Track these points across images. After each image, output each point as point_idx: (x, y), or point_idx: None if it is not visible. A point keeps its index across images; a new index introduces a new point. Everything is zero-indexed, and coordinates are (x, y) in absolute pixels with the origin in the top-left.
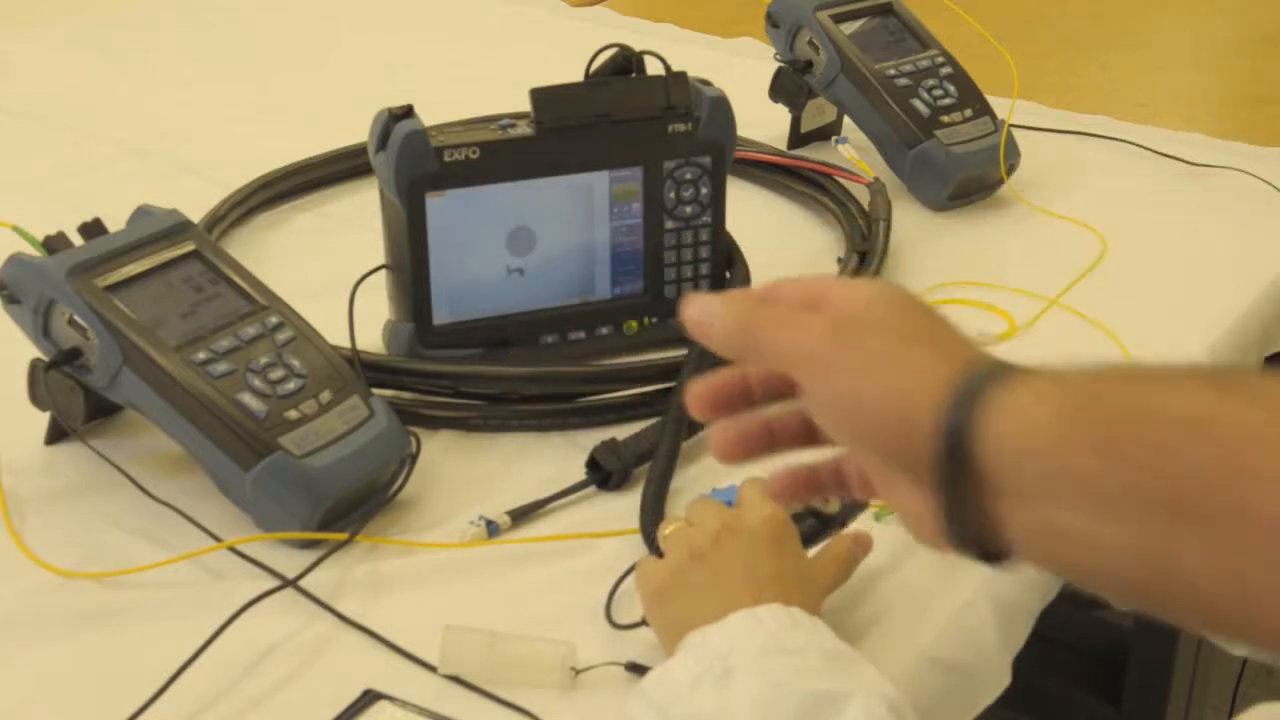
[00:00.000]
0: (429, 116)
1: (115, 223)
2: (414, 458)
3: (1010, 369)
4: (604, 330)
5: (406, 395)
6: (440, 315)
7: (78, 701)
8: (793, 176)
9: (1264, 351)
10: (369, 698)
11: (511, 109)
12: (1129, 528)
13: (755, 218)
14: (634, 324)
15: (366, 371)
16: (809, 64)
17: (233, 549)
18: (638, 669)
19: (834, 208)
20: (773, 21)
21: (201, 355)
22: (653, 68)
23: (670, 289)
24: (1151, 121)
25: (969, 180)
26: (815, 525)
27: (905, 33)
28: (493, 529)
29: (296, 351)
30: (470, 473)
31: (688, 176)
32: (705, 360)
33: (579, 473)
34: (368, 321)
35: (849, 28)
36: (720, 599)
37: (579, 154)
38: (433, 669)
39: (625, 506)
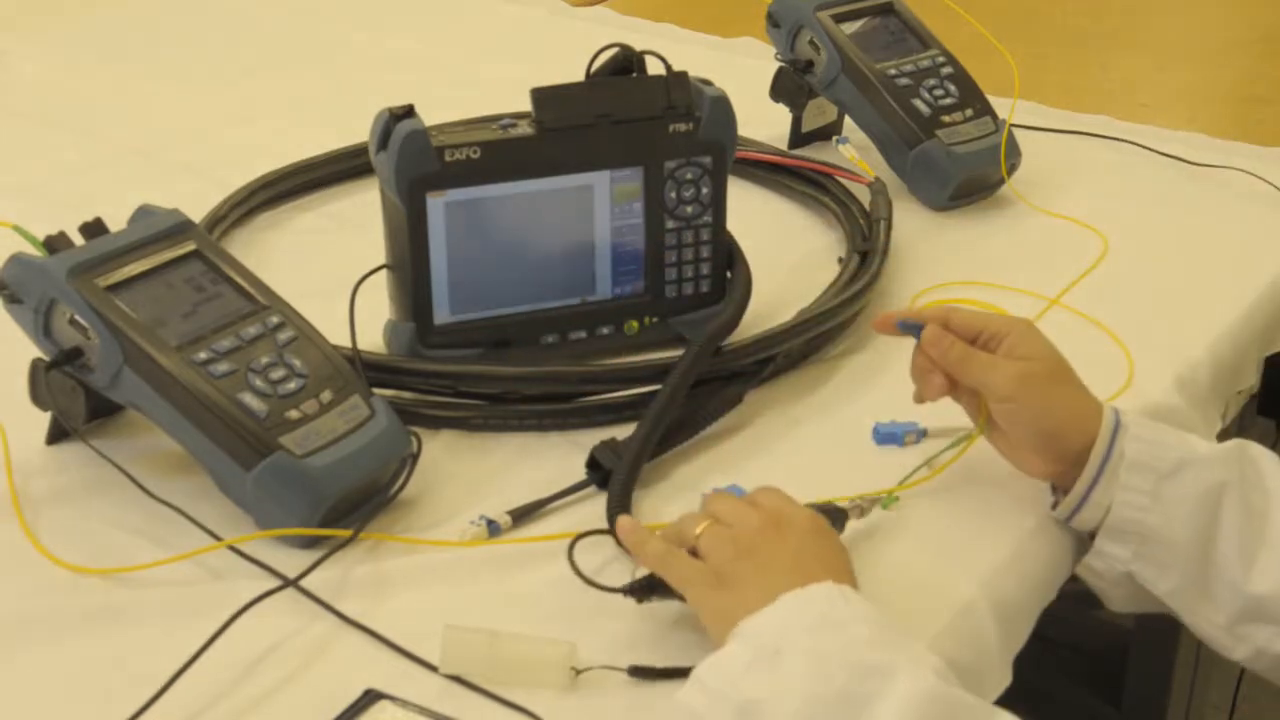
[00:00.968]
0: (430, 116)
1: (116, 222)
2: (415, 457)
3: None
4: (605, 330)
5: (407, 395)
6: (441, 315)
7: (78, 701)
8: (793, 176)
9: (1264, 352)
10: (370, 697)
11: (512, 109)
12: None
13: (756, 218)
14: (635, 324)
15: (367, 371)
16: (810, 64)
17: (234, 549)
18: (640, 673)
19: (835, 207)
20: (773, 21)
21: (202, 355)
22: (653, 68)
23: (671, 289)
24: (1152, 121)
25: (970, 180)
26: (832, 515)
27: (906, 32)
28: (493, 528)
29: (297, 351)
30: (471, 472)
31: (689, 176)
32: (699, 360)
33: (579, 472)
34: (369, 321)
35: (850, 27)
36: (771, 588)
37: (580, 154)
38: (433, 669)
39: None
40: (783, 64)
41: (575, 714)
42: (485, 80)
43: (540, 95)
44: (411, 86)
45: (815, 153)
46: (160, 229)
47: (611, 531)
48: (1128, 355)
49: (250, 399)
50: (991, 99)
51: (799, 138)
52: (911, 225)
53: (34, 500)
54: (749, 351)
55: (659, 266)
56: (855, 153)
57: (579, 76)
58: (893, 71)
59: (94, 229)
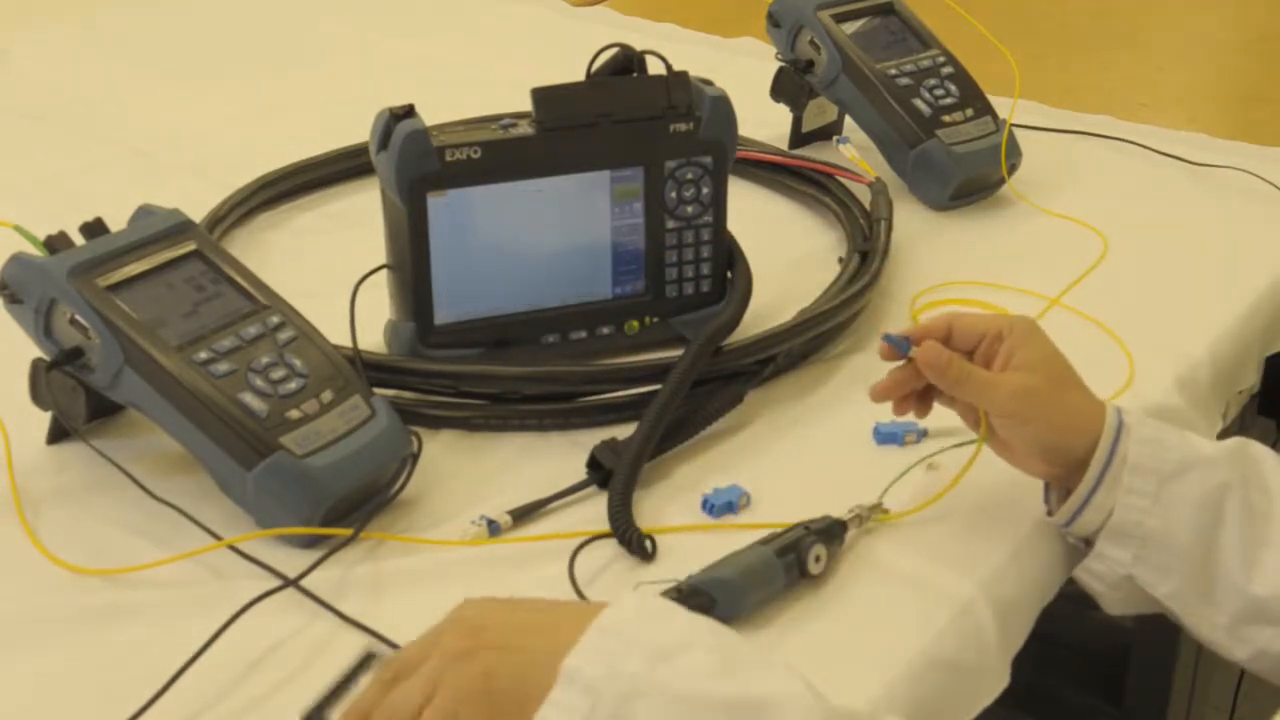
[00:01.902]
0: (430, 116)
1: (117, 222)
2: (415, 457)
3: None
4: (605, 330)
5: (408, 395)
6: (441, 315)
7: (78, 701)
8: (794, 176)
9: (1264, 351)
10: (369, 659)
11: (512, 109)
12: None
13: (757, 217)
14: (635, 324)
15: (368, 371)
16: (810, 64)
17: (234, 549)
18: None
19: (835, 207)
20: (774, 21)
21: (203, 355)
22: (654, 67)
23: (671, 289)
24: (1153, 121)
25: (970, 180)
26: (832, 526)
27: (906, 32)
28: (494, 528)
29: (298, 351)
30: (471, 472)
31: (689, 176)
32: (700, 360)
33: (580, 472)
34: (369, 321)
35: (850, 27)
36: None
37: (580, 154)
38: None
39: None
40: (783, 64)
41: None
42: (485, 80)
43: (540, 95)
44: (411, 86)
45: (815, 153)
46: (160, 229)
47: (617, 536)
48: (1128, 355)
49: (251, 399)
50: (992, 99)
51: (799, 138)
52: (912, 225)
53: (34, 500)
54: (749, 351)
55: (659, 266)
56: (856, 153)
57: (579, 76)
58: (893, 71)
59: (94, 229)
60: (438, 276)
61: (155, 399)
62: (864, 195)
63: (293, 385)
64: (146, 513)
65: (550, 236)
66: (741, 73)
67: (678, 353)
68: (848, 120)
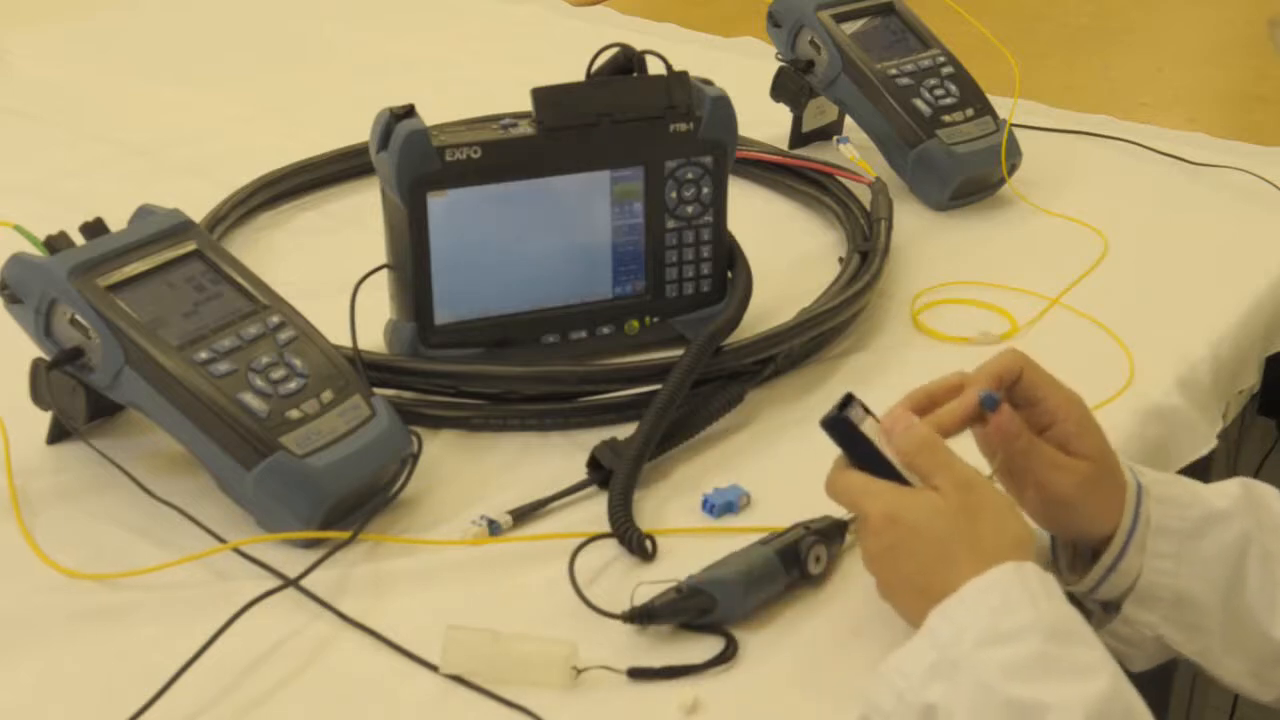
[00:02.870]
0: (430, 116)
1: (117, 222)
2: (415, 457)
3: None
4: (605, 330)
5: (408, 395)
6: (442, 315)
7: (78, 701)
8: (794, 176)
9: (1265, 351)
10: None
11: (513, 109)
12: None
13: (757, 217)
14: (635, 323)
15: (368, 371)
16: (810, 63)
17: (234, 548)
18: (640, 673)
19: (835, 207)
20: (774, 21)
21: (203, 355)
22: (654, 67)
23: (672, 288)
24: (1153, 121)
25: (970, 180)
26: (832, 527)
27: (907, 32)
28: (494, 528)
29: (298, 351)
30: (472, 472)
31: (689, 176)
32: (700, 360)
33: (580, 472)
34: (369, 321)
35: (850, 27)
36: (949, 567)
37: (580, 153)
38: (434, 668)
39: None
40: (783, 64)
41: (576, 714)
42: (486, 80)
43: (541, 95)
44: (412, 86)
45: (816, 152)
46: (161, 229)
47: (617, 536)
48: (1128, 355)
49: (251, 399)
50: (992, 99)
51: (799, 138)
52: (912, 225)
53: (34, 500)
54: (749, 351)
55: (660, 266)
56: (856, 152)
57: (579, 76)
58: (893, 71)
59: (94, 229)
60: (438, 276)
61: (155, 399)
62: (864, 195)
63: (293, 385)
64: (146, 513)
65: (550, 236)
66: (741, 73)
67: (678, 353)
68: (848, 120)
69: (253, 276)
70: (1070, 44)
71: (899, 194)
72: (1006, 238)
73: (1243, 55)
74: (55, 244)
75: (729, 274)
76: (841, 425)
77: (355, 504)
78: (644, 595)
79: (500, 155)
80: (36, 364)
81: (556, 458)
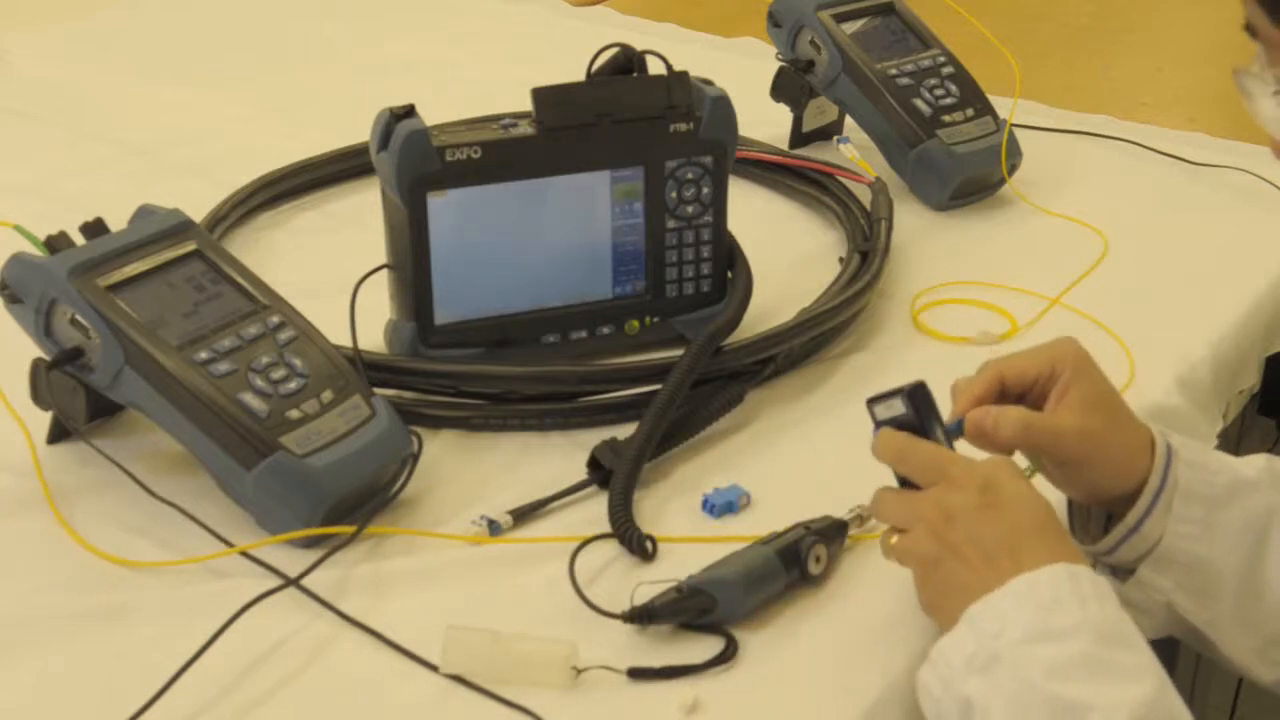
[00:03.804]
0: (430, 116)
1: (117, 222)
2: (415, 457)
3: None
4: (605, 330)
5: (408, 395)
6: (442, 315)
7: (78, 701)
8: (794, 176)
9: (1265, 351)
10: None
11: (513, 109)
12: None
13: (757, 217)
14: (635, 323)
15: (368, 371)
16: (810, 63)
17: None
18: (640, 673)
19: (835, 207)
20: (774, 21)
21: (203, 355)
22: (654, 67)
23: (672, 288)
24: (1153, 121)
25: (970, 180)
26: (832, 526)
27: (907, 32)
28: (494, 528)
29: (298, 351)
30: (472, 472)
31: (689, 176)
32: (700, 360)
33: (580, 472)
34: (369, 321)
35: (850, 27)
36: (993, 568)
37: (581, 153)
38: (434, 668)
39: None
40: (783, 64)
41: (576, 714)
42: (486, 80)
43: (541, 95)
44: (412, 86)
45: (816, 152)
46: (161, 229)
47: (617, 536)
48: (1129, 355)
49: (251, 399)
50: (992, 99)
51: (799, 137)
52: (912, 225)
53: (34, 499)
54: (749, 351)
55: (660, 266)
56: (856, 152)
57: (579, 76)
58: (893, 71)
59: (95, 229)
60: (438, 276)
61: (155, 399)
62: (864, 195)
63: (293, 385)
64: (147, 513)
65: (551, 236)
66: (741, 73)
67: (678, 353)
68: (848, 120)
69: (253, 276)
70: (1070, 44)
71: (899, 194)
72: (1006, 238)
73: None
74: (55, 244)
75: (729, 274)
76: (919, 393)
77: (355, 504)
78: (644, 595)
79: (500, 155)
80: (36, 364)
81: (556, 458)
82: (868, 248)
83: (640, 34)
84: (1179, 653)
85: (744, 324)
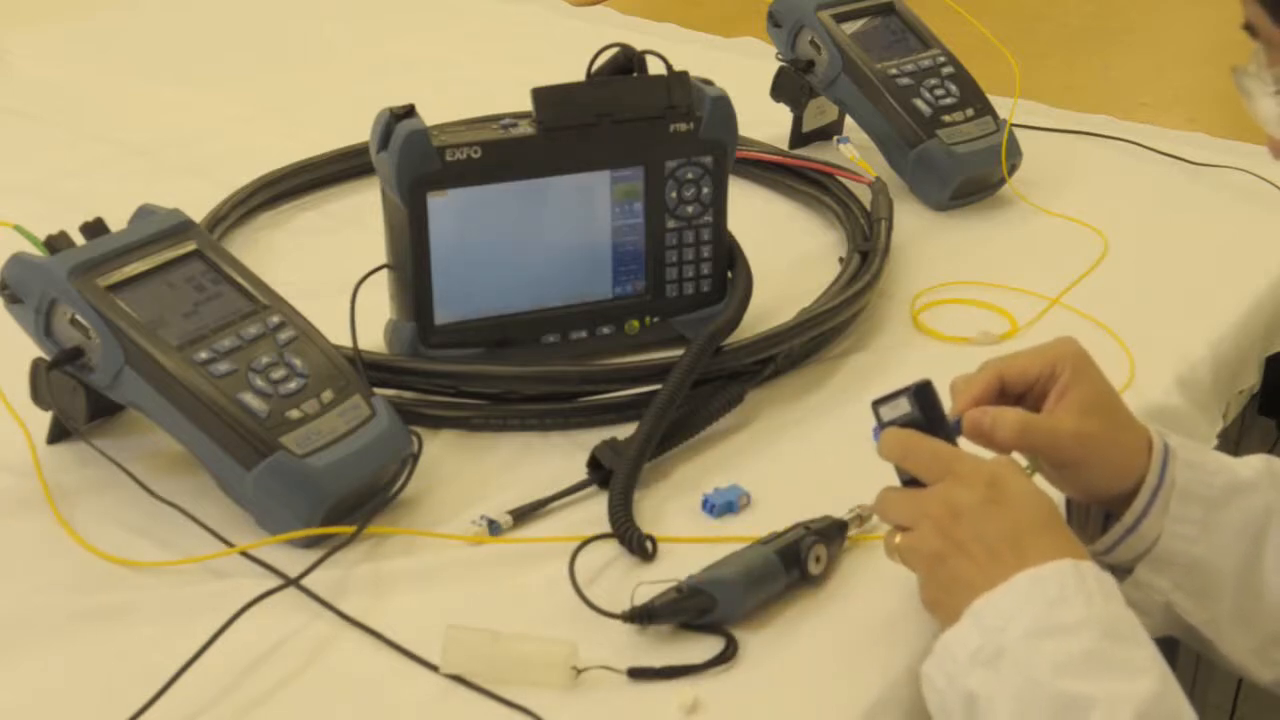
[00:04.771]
0: (430, 116)
1: (117, 222)
2: (415, 457)
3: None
4: (605, 330)
5: (408, 395)
6: (442, 315)
7: (78, 701)
8: (794, 176)
9: (1265, 351)
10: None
11: (513, 109)
12: None
13: (757, 217)
14: (635, 323)
15: (368, 371)
16: (810, 63)
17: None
18: (640, 673)
19: (835, 207)
20: (774, 21)
21: (203, 355)
22: (654, 67)
23: (672, 288)
24: (1153, 121)
25: (970, 180)
26: (832, 526)
27: (907, 32)
28: (494, 528)
29: (298, 351)
30: (472, 472)
31: (689, 176)
32: (700, 360)
33: (580, 472)
34: (369, 321)
35: (850, 27)
36: (999, 564)
37: (581, 153)
38: (434, 668)
39: None
40: (783, 64)
41: (576, 714)
42: (486, 80)
43: (541, 95)
44: (412, 86)
45: (816, 152)
46: (161, 229)
47: (617, 536)
48: (1129, 355)
49: (251, 399)
50: (992, 99)
51: (799, 137)
52: (912, 225)
53: (34, 499)
54: (749, 351)
55: (660, 266)
56: (856, 152)
57: (579, 76)
58: (893, 71)
59: (95, 229)
60: (438, 276)
61: (155, 399)
62: (864, 195)
63: (293, 385)
64: (147, 512)
65: (551, 236)
66: (741, 73)
67: (678, 353)
68: (848, 120)
69: (253, 276)
70: (1070, 44)
71: (899, 194)
72: (1006, 238)
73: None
74: (55, 244)
75: (729, 274)
76: (925, 392)
77: (355, 504)
78: (644, 595)
79: (500, 155)
80: (36, 364)
81: (556, 458)
82: (868, 248)
83: (640, 34)
84: (1179, 652)
85: (744, 324)
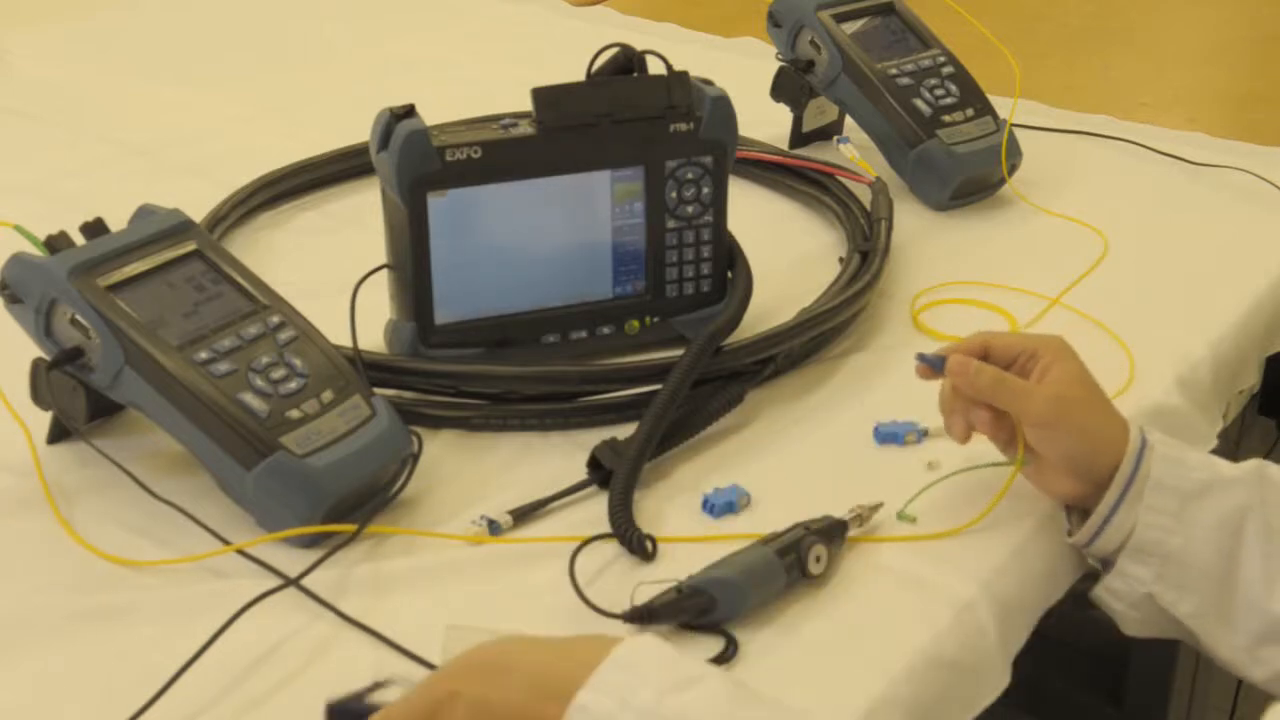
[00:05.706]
0: (430, 116)
1: (117, 222)
2: (415, 457)
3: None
4: (605, 330)
5: (408, 395)
6: (442, 314)
7: (78, 701)
8: (794, 176)
9: (1265, 351)
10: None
11: (513, 109)
12: None
13: (757, 217)
14: (635, 323)
15: (368, 371)
16: (810, 63)
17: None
18: None
19: (836, 207)
20: (774, 21)
21: (203, 355)
22: (654, 67)
23: (672, 288)
24: (1153, 121)
25: (970, 180)
26: (832, 526)
27: (907, 32)
28: (494, 528)
29: (298, 351)
30: (472, 472)
31: (689, 176)
32: (700, 360)
33: (580, 472)
34: (369, 321)
35: (850, 27)
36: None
37: (581, 153)
38: (434, 668)
39: None
40: (783, 64)
41: None
42: (486, 80)
43: (541, 95)
44: (412, 86)
45: (816, 152)
46: (161, 229)
47: (617, 536)
48: (1129, 355)
49: (251, 398)
50: (992, 99)
51: (800, 137)
52: (912, 225)
53: (34, 499)
54: (749, 351)
55: (660, 266)
56: (856, 152)
57: (579, 76)
58: (893, 71)
59: (95, 229)
60: (438, 276)
61: (155, 399)
62: (864, 195)
63: (293, 385)
64: (147, 512)
65: (551, 236)
66: (741, 73)
67: (678, 353)
68: (848, 120)
69: (253, 276)
70: (1070, 44)
71: (899, 194)
72: (1006, 238)
73: (1243, 55)
74: (55, 244)
75: (729, 274)
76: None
77: (355, 504)
78: (644, 595)
79: (500, 155)
80: (36, 364)
81: (556, 458)
82: (868, 248)
83: (640, 34)
84: (1179, 653)
85: (744, 324)
